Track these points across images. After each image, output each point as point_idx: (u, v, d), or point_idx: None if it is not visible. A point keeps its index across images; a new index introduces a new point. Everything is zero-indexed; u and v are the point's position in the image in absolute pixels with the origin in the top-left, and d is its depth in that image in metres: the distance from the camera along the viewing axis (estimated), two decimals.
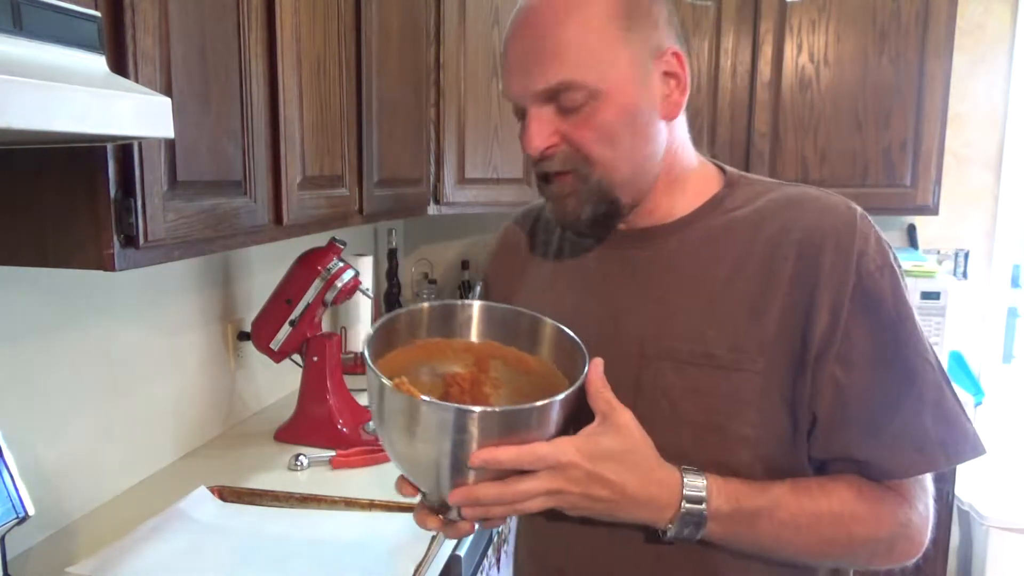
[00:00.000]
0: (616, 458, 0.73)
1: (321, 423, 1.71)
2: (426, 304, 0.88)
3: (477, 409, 0.70)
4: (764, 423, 0.78)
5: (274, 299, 1.73)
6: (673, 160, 0.84)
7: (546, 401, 0.70)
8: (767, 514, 0.76)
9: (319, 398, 1.72)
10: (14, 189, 0.97)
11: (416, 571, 1.17)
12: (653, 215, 0.85)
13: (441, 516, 0.78)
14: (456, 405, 0.72)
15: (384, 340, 0.82)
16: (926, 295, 2.26)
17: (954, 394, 0.80)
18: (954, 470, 2.20)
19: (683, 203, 0.85)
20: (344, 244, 1.77)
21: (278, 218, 1.32)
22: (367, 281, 2.18)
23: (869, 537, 0.79)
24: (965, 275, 2.66)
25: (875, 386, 0.77)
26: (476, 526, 0.80)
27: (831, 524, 0.78)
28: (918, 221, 2.65)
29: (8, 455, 1.02)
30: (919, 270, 2.29)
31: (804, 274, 0.77)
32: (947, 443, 0.78)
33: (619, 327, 0.84)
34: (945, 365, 2.49)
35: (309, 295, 1.70)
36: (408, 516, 1.34)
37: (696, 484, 0.75)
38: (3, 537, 1.03)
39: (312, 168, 1.43)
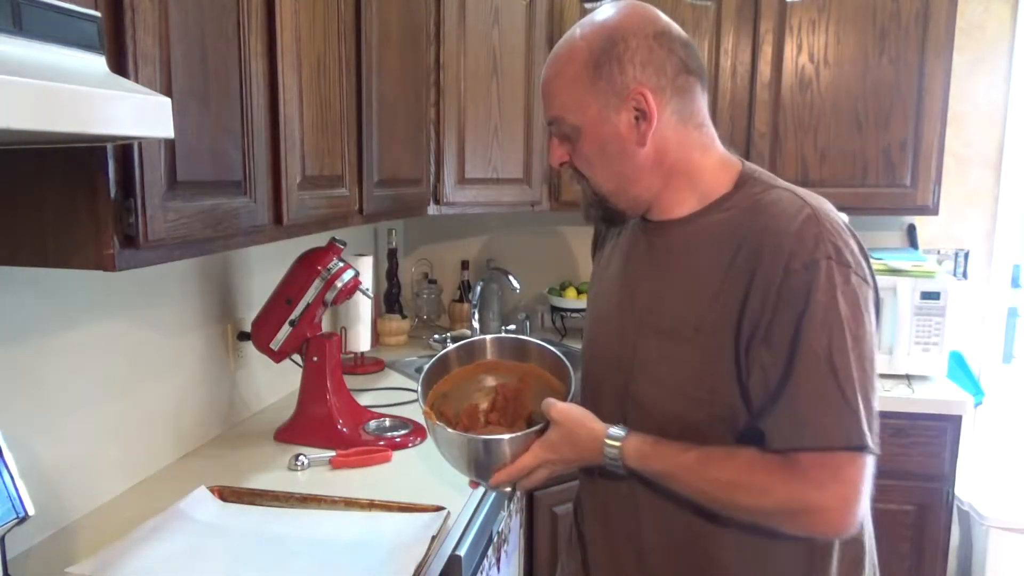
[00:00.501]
0: (565, 442, 1.04)
1: (321, 423, 1.71)
2: (452, 347, 1.19)
3: (466, 436, 1.08)
4: (715, 391, 0.95)
5: (274, 299, 1.73)
6: (677, 167, 1.00)
7: (518, 433, 1.06)
8: (671, 475, 0.97)
9: (319, 398, 1.72)
10: (14, 189, 0.97)
11: (416, 571, 1.17)
12: (669, 210, 1.03)
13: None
14: (454, 431, 1.08)
15: (431, 380, 1.16)
16: (926, 295, 2.26)
17: (841, 387, 0.87)
18: (954, 470, 2.20)
19: (694, 200, 1.01)
20: (344, 244, 1.77)
21: (278, 218, 1.32)
22: (367, 281, 2.17)
23: (754, 507, 0.93)
24: (965, 275, 2.66)
25: (777, 368, 0.90)
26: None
27: (722, 490, 0.95)
28: (918, 221, 2.65)
29: (8, 455, 1.02)
30: (919, 270, 2.28)
31: (748, 269, 0.92)
32: (816, 425, 0.88)
33: (632, 299, 1.05)
34: (945, 365, 2.47)
35: (309, 295, 1.70)
36: (408, 516, 1.35)
37: (613, 443, 1.00)
38: (3, 537, 1.03)
39: (312, 168, 1.43)
